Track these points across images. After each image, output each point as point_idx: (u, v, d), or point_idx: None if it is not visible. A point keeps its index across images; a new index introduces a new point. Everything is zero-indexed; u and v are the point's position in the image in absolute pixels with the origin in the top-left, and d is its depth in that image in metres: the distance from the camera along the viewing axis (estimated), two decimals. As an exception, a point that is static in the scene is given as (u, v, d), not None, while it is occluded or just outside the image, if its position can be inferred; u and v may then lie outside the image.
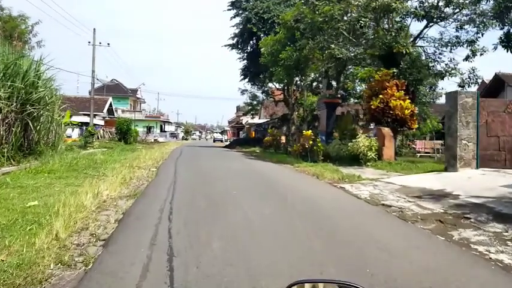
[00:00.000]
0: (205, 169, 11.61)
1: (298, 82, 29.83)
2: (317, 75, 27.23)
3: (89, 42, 31.93)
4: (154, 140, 46.81)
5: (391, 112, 12.44)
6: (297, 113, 28.96)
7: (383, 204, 6.22)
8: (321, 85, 31.41)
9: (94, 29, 31.88)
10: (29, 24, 22.96)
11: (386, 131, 12.31)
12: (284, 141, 23.53)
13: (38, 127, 13.12)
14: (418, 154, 18.49)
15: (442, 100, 19.26)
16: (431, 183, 8.26)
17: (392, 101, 12.40)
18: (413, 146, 19.88)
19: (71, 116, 18.44)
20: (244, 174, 10.47)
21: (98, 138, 29.30)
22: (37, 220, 4.42)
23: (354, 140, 12.43)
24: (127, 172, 9.44)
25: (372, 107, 12.67)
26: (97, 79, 33.04)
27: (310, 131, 13.90)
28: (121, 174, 8.91)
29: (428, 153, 19.04)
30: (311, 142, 13.27)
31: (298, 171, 11.27)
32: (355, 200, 6.76)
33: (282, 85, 31.44)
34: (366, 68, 21.86)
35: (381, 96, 12.58)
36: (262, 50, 20.73)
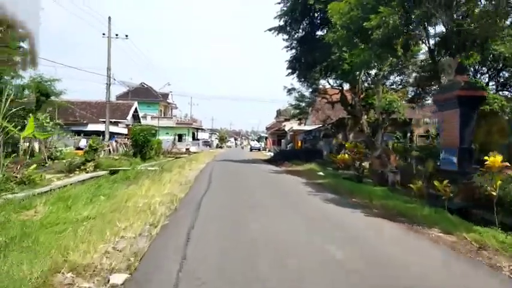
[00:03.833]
0: None
1: (363, 77, 22.48)
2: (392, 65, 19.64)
3: (103, 34, 26.36)
4: (186, 149, 40.86)
5: None
6: (366, 117, 21.40)
7: None
8: (387, 81, 23.81)
9: (109, 17, 26.25)
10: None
11: None
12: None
13: None
14: None
15: None
16: None
17: None
18: None
19: (44, 126, 12.41)
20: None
21: (110, 152, 23.26)
22: None
23: None
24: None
25: None
26: (113, 79, 27.34)
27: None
28: None
29: None
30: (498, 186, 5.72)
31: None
32: None
33: (339, 81, 24.23)
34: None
35: None
36: (333, 19, 13.54)
